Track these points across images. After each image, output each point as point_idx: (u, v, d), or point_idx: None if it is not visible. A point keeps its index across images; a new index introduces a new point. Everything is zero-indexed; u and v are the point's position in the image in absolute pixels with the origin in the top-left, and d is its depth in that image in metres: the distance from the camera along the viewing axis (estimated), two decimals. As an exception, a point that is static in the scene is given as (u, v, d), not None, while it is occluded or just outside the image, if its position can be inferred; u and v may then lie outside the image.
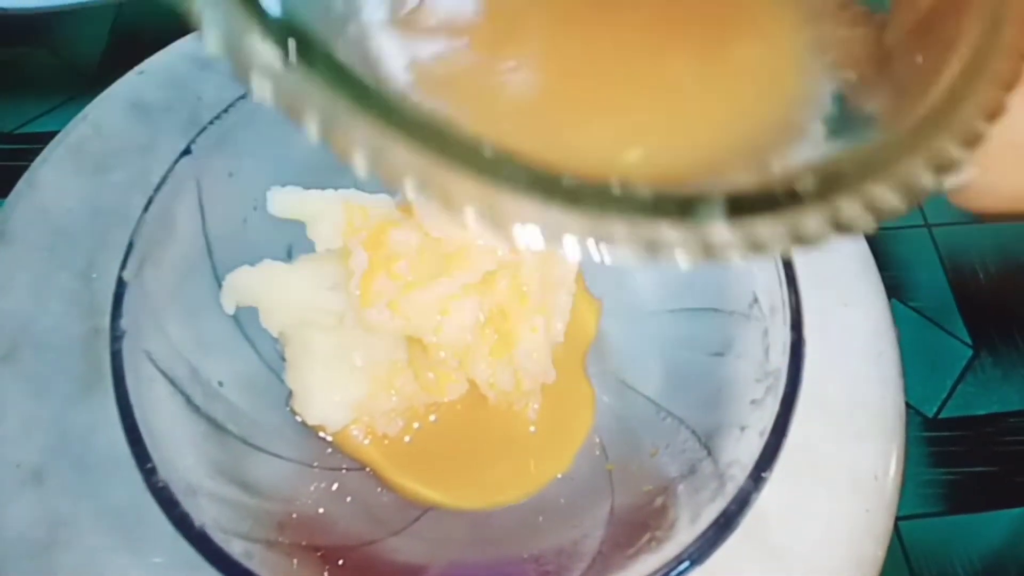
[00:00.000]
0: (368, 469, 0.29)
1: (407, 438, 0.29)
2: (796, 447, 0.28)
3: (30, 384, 0.31)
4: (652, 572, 0.20)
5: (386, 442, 0.29)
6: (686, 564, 0.20)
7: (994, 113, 0.12)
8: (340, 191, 0.27)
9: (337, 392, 0.28)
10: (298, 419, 0.28)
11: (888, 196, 0.12)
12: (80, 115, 0.37)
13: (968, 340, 0.59)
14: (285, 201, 0.26)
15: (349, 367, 0.28)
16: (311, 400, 0.28)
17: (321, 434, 0.29)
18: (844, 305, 0.35)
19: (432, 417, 0.30)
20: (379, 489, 0.28)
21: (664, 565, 0.20)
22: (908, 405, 0.53)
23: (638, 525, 0.23)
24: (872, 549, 0.29)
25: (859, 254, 0.36)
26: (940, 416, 0.55)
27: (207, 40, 0.11)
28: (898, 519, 0.50)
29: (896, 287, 0.61)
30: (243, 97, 0.27)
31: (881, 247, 0.64)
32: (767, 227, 0.11)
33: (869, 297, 0.35)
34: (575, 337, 0.32)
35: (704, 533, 0.20)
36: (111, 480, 0.28)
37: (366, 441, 0.29)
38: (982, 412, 0.55)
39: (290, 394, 0.28)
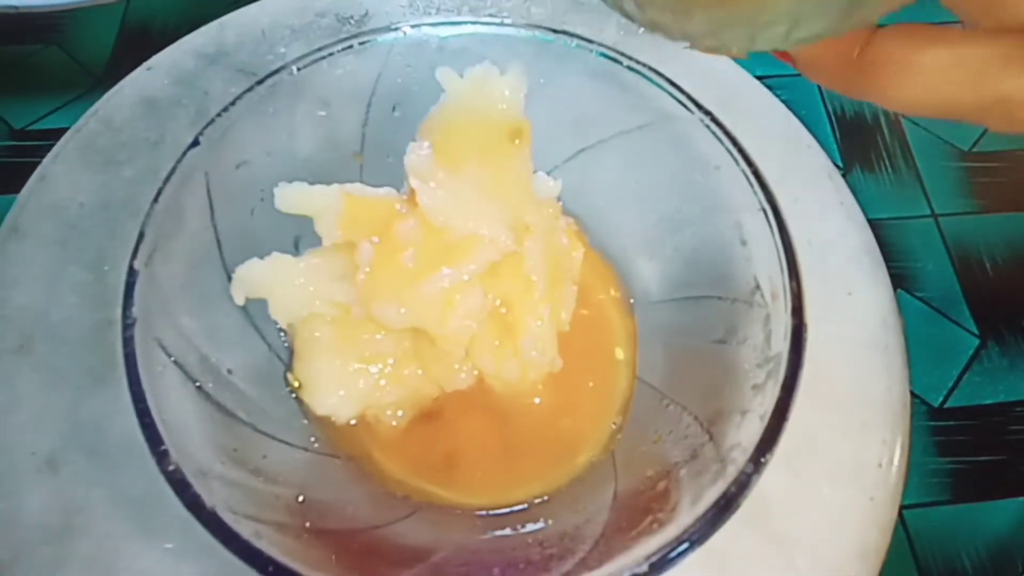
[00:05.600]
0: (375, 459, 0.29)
1: (414, 430, 0.29)
2: (801, 436, 0.29)
3: (44, 375, 0.31)
4: (653, 553, 0.20)
5: (393, 435, 0.29)
6: (686, 545, 0.20)
7: None
8: (345, 185, 0.27)
9: (344, 384, 0.28)
10: (306, 409, 0.28)
11: None
12: (90, 111, 0.38)
13: (975, 330, 0.59)
14: (291, 196, 0.27)
15: (356, 359, 0.28)
16: (318, 391, 0.28)
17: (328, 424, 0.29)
18: (849, 295, 0.35)
19: (439, 409, 0.30)
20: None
21: (665, 546, 0.20)
22: (914, 394, 0.53)
23: (640, 509, 0.23)
24: (876, 538, 0.29)
25: (865, 244, 0.36)
26: (946, 405, 0.55)
27: None
28: (903, 508, 0.50)
29: (903, 277, 0.61)
30: (250, 90, 0.27)
31: (888, 237, 0.64)
32: None
33: (875, 287, 0.35)
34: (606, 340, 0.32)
35: (704, 515, 0.20)
36: (124, 468, 0.29)
37: (372, 433, 0.29)
38: (989, 401, 0.55)
39: (298, 385, 0.29)
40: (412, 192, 0.27)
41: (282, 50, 0.39)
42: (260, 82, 0.28)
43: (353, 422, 0.29)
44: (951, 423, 0.55)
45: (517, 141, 0.27)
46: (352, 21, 0.41)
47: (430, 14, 0.41)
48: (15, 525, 0.28)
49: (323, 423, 0.28)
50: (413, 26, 0.30)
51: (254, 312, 0.28)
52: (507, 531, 0.26)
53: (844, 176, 0.45)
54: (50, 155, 0.36)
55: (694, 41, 0.16)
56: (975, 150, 0.70)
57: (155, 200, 0.25)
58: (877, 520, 0.30)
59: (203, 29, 0.40)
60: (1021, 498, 0.51)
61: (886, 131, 0.70)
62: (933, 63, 0.16)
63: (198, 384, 0.24)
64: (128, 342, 0.22)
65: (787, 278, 0.25)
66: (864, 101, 0.18)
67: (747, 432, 0.22)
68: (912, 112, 0.17)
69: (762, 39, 0.16)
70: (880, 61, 0.17)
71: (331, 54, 0.29)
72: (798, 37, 0.15)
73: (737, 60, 0.41)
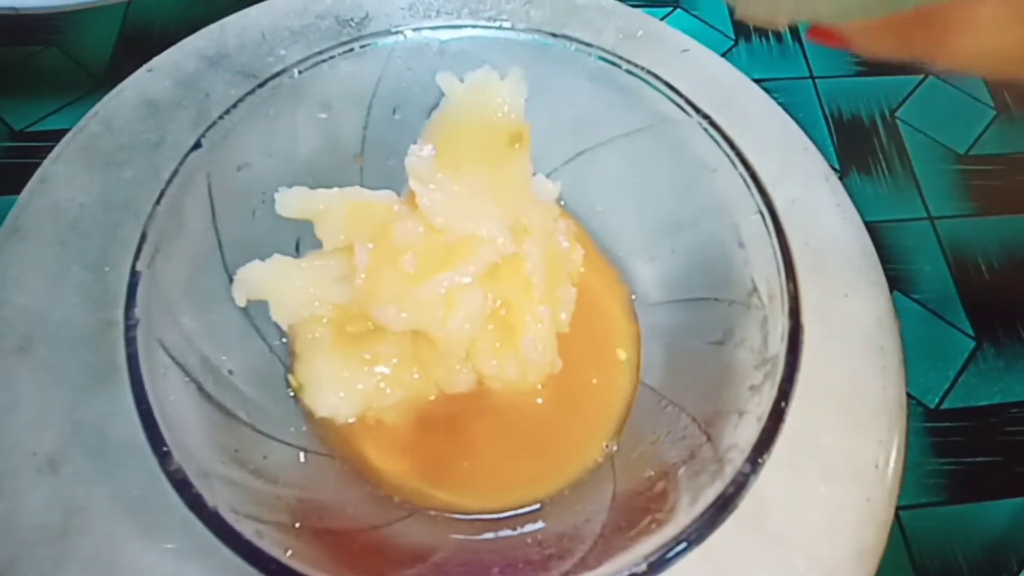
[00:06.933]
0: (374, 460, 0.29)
1: (414, 432, 0.30)
2: (797, 437, 0.29)
3: (45, 375, 0.31)
4: (651, 552, 0.20)
5: (393, 437, 0.29)
6: (684, 545, 0.20)
7: None
8: (345, 189, 0.28)
9: (344, 386, 0.28)
10: (306, 411, 0.29)
11: None
12: (91, 112, 0.38)
13: (970, 332, 0.59)
14: (291, 201, 0.27)
15: (356, 361, 0.29)
16: (319, 393, 0.28)
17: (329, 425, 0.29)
18: (846, 297, 0.35)
19: (439, 411, 0.30)
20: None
21: (663, 546, 0.20)
22: (910, 396, 0.53)
23: (639, 509, 0.23)
24: (873, 538, 0.29)
25: (862, 246, 0.36)
26: (942, 407, 0.55)
27: None
28: (900, 508, 0.50)
29: (899, 279, 0.61)
30: (251, 92, 0.27)
31: (884, 240, 0.64)
32: None
33: (872, 289, 0.35)
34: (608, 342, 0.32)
35: (702, 515, 0.21)
36: (125, 468, 0.29)
37: (373, 435, 0.29)
38: (984, 403, 0.55)
39: (299, 386, 0.29)
40: (412, 195, 0.27)
41: (283, 52, 0.40)
42: (261, 84, 0.28)
43: (352, 421, 0.29)
44: (947, 424, 0.55)
45: (517, 145, 0.27)
46: (352, 24, 0.41)
47: (430, 17, 0.42)
48: (15, 525, 0.28)
49: (323, 424, 0.29)
50: (413, 29, 0.30)
51: (255, 314, 0.28)
52: (506, 531, 0.27)
53: (841, 178, 0.46)
54: (51, 156, 0.37)
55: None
56: (971, 153, 0.70)
57: (157, 202, 0.25)
58: (873, 520, 0.30)
59: (204, 31, 0.40)
60: (1017, 499, 0.51)
61: (883, 134, 0.70)
62: (992, 16, 0.16)
63: (199, 385, 0.24)
64: (131, 343, 0.22)
65: (784, 280, 0.25)
66: (921, 61, 0.18)
67: (744, 433, 0.23)
68: (971, 65, 0.17)
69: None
70: (940, 16, 0.17)
71: (332, 57, 0.29)
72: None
73: (735, 63, 0.42)
